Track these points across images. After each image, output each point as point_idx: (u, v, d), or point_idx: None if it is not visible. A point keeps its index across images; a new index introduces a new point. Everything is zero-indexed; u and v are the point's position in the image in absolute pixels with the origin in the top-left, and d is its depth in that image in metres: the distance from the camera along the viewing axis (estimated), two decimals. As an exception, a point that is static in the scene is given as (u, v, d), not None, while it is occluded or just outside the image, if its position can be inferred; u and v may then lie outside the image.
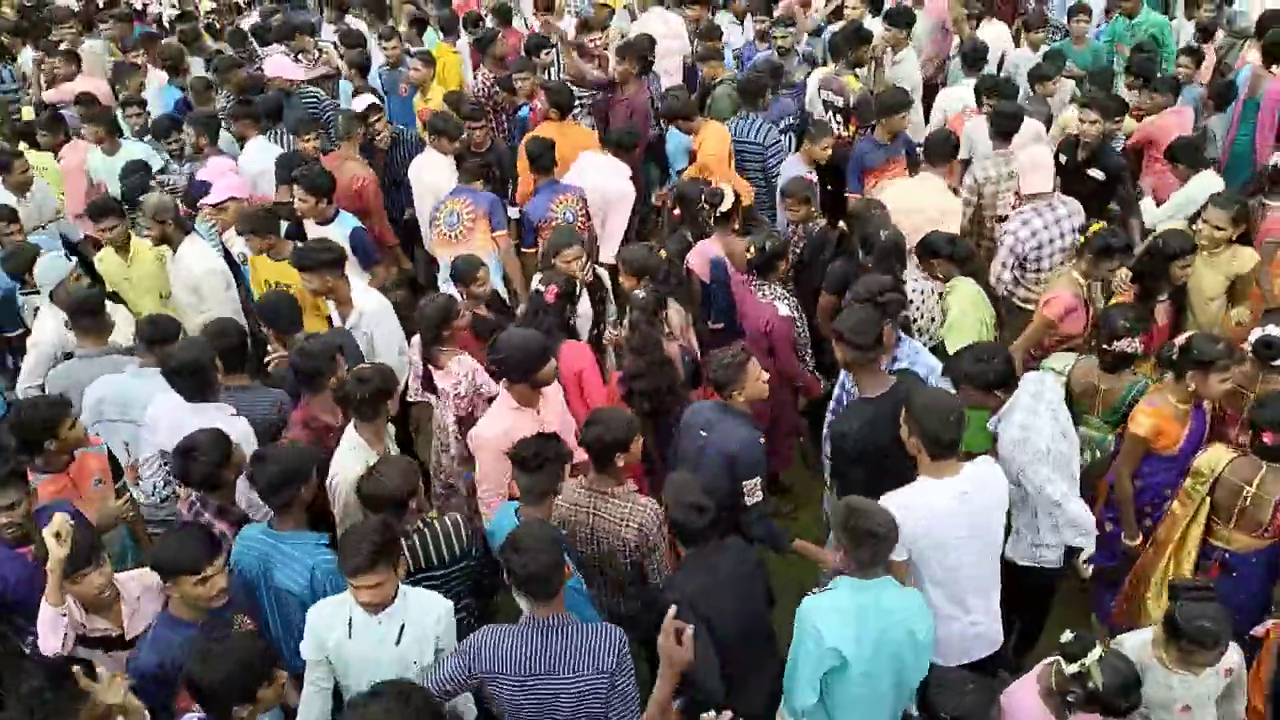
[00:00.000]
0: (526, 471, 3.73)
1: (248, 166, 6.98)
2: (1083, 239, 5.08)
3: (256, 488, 3.76)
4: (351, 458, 4.08)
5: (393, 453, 4.35)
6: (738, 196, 5.66)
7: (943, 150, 6.12)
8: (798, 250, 5.97)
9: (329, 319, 5.56)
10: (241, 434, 4.22)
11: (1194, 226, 5.39)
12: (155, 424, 4.42)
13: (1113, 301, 5.16)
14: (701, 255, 5.60)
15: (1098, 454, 4.67)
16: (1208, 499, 4.08)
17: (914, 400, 3.70)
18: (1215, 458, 4.07)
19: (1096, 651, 3.07)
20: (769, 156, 6.89)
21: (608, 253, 6.45)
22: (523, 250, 6.35)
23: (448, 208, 6.23)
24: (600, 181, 6.50)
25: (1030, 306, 5.49)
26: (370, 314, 5.22)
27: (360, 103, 7.16)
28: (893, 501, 3.53)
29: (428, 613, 3.44)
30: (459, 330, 4.87)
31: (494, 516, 4.07)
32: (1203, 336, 4.28)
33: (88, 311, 4.97)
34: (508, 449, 3.86)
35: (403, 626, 3.39)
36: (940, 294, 5.28)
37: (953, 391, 4.03)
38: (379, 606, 3.35)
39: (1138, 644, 3.47)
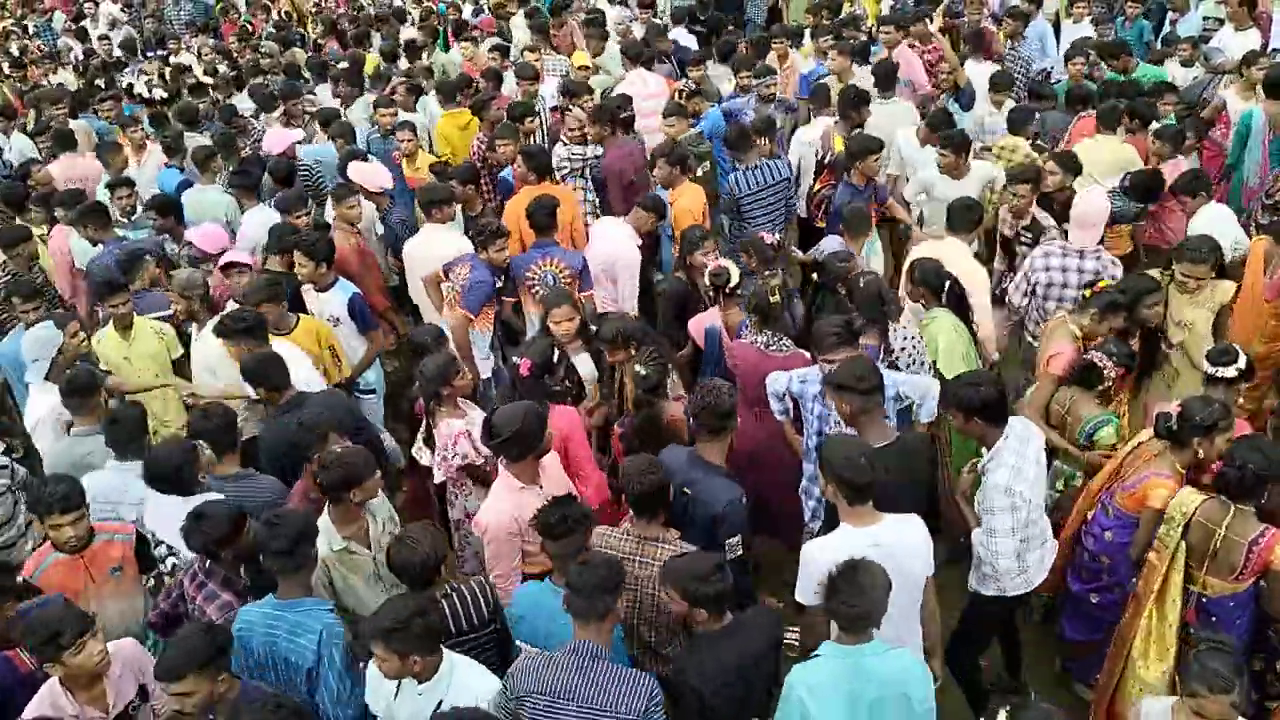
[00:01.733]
0: (555, 539, 3.71)
1: (250, 234, 7.00)
2: (1087, 294, 5.08)
3: (269, 552, 3.70)
4: (321, 539, 4.03)
5: (380, 522, 4.30)
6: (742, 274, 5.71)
7: (966, 219, 6.04)
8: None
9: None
10: None
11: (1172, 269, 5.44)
12: (151, 515, 4.40)
13: None
14: (698, 325, 5.72)
15: (1071, 485, 4.76)
16: (1182, 544, 4.00)
17: (826, 450, 3.75)
18: (1185, 501, 4.01)
19: None
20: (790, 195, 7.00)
21: (626, 307, 6.53)
22: (502, 299, 6.36)
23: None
24: (606, 248, 6.51)
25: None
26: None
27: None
28: (811, 546, 3.72)
29: (467, 692, 3.37)
30: (461, 390, 4.84)
31: (512, 600, 4.01)
32: (1195, 402, 4.19)
33: (77, 391, 4.98)
34: (515, 530, 3.87)
35: (439, 703, 3.33)
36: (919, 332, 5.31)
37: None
38: (417, 677, 3.36)
39: (1158, 711, 3.45)
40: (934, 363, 5.18)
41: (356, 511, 4.20)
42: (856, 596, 3.22)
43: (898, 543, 3.67)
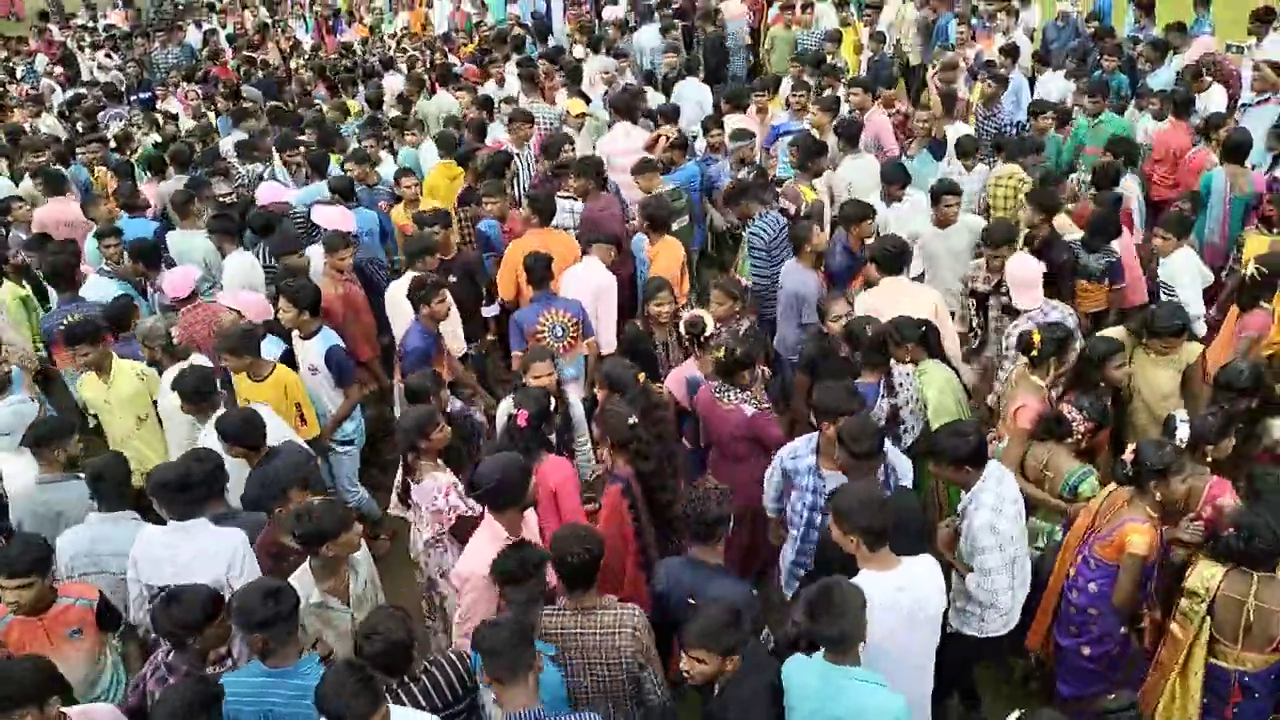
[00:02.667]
0: (516, 584, 3.72)
1: (231, 277, 7.04)
2: (1028, 346, 5.14)
3: (257, 624, 3.58)
4: (299, 591, 3.97)
5: (363, 580, 4.28)
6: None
7: (895, 263, 6.12)
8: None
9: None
10: (233, 542, 4.28)
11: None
12: (139, 563, 4.37)
13: None
14: (678, 379, 5.73)
15: (1052, 540, 4.79)
16: (1208, 619, 3.98)
17: (839, 501, 3.80)
18: (1208, 574, 3.98)
19: None
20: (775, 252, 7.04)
21: (605, 343, 6.64)
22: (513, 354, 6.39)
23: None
24: (581, 286, 6.62)
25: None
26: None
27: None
28: None
29: None
30: (439, 443, 4.82)
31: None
32: (1148, 444, 4.26)
33: (41, 439, 5.04)
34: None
35: None
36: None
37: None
38: None
39: None
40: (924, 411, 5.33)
41: (337, 565, 4.17)
42: (835, 619, 3.29)
43: (919, 584, 3.77)
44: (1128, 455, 4.29)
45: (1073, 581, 4.49)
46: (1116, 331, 5.60)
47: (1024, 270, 5.91)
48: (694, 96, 10.67)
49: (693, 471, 5.50)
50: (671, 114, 9.28)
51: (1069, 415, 4.81)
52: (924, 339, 5.44)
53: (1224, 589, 3.91)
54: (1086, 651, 4.48)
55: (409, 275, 6.66)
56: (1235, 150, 7.40)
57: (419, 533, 4.81)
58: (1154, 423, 5.33)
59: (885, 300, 5.85)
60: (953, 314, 6.53)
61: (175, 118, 12.61)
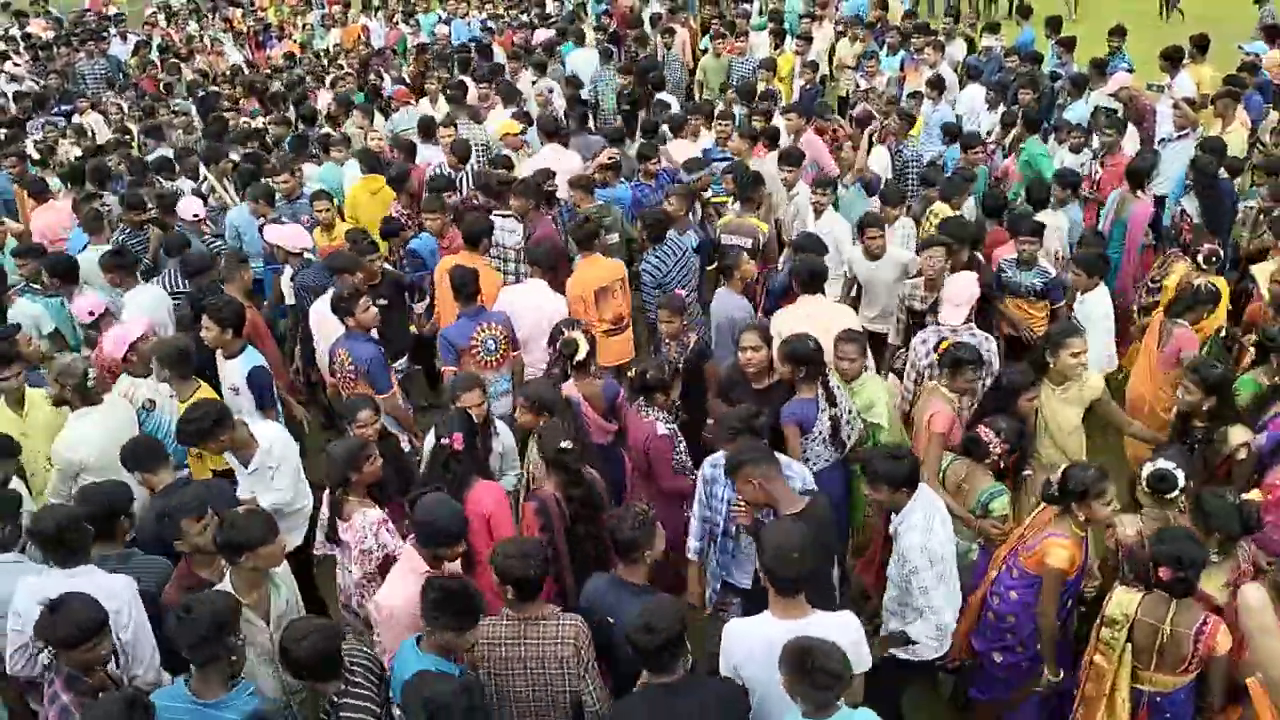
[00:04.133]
0: (442, 612, 3.64)
1: (134, 314, 6.64)
2: (936, 356, 5.24)
3: (184, 644, 3.51)
4: None
5: (284, 599, 4.19)
6: (591, 345, 5.70)
7: (815, 283, 6.23)
8: (678, 364, 5.93)
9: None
10: (119, 591, 4.08)
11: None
12: (23, 615, 4.14)
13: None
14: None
15: (967, 558, 4.89)
16: (1128, 645, 4.08)
17: (764, 535, 3.79)
18: (1126, 601, 4.09)
19: None
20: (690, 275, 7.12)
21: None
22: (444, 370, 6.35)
23: (483, 335, 6.27)
24: (532, 302, 6.59)
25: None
26: (274, 446, 5.11)
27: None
28: (734, 626, 3.77)
29: None
30: (370, 477, 4.73)
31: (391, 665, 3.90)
32: (1075, 468, 4.41)
33: None
34: (415, 611, 3.76)
35: None
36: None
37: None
38: None
39: None
40: (870, 423, 5.47)
41: (258, 579, 4.08)
42: (823, 679, 3.23)
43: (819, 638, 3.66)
44: (1055, 476, 4.43)
45: (994, 588, 4.60)
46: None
47: (960, 288, 6.02)
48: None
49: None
50: (615, 136, 9.29)
51: (986, 438, 4.91)
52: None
53: (1141, 614, 4.02)
54: (998, 659, 4.60)
55: (330, 291, 6.57)
56: (1134, 176, 7.68)
57: (348, 573, 4.64)
58: (1058, 452, 5.42)
59: (803, 319, 5.89)
60: (887, 335, 6.84)
61: (91, 133, 12.34)
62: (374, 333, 6.32)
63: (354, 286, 6.25)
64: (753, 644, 3.64)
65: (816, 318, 5.90)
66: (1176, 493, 4.47)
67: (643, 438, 5.25)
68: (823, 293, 6.32)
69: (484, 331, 6.30)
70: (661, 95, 11.36)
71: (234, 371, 5.88)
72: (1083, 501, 4.28)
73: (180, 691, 3.58)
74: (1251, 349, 5.84)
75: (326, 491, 4.74)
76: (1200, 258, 6.48)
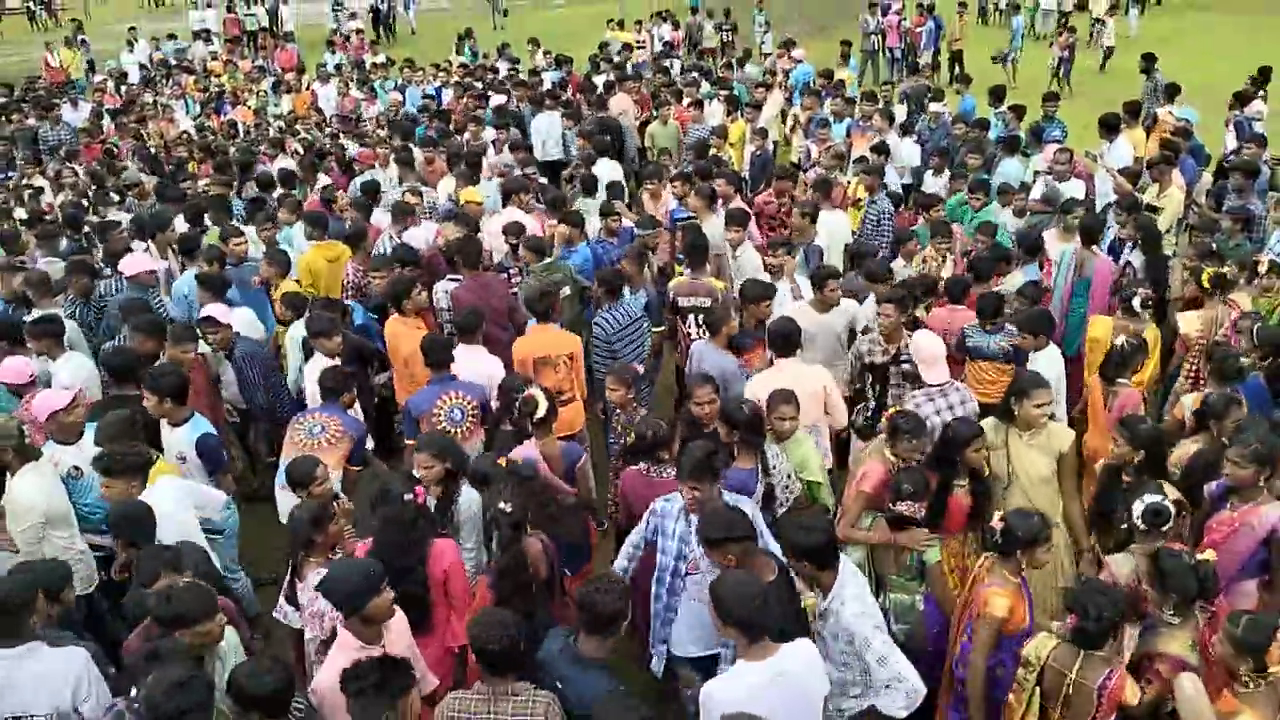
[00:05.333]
0: (350, 695, 3.54)
1: (65, 383, 6.46)
2: (890, 424, 5.27)
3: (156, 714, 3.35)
4: None
5: (226, 671, 3.99)
6: (551, 403, 5.65)
7: (788, 345, 6.27)
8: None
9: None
10: (78, 668, 4.02)
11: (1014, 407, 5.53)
12: None
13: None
14: (516, 459, 5.46)
15: (914, 612, 4.85)
16: (1037, 688, 4.10)
17: (717, 588, 3.78)
18: (1040, 644, 4.14)
19: None
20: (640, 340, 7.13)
21: None
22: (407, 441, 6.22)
23: (447, 404, 6.10)
24: (462, 370, 6.45)
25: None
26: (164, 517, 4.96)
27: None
28: (713, 685, 3.71)
29: None
30: (334, 538, 4.66)
31: None
32: (1017, 514, 4.45)
33: None
34: None
35: None
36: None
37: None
38: None
39: None
40: (807, 481, 5.46)
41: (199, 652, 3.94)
42: None
43: (797, 670, 3.72)
44: (996, 524, 4.45)
45: (960, 658, 4.58)
46: (987, 421, 5.69)
47: (930, 347, 6.09)
48: (608, 175, 10.79)
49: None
50: (558, 202, 9.34)
51: (909, 513, 4.81)
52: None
53: (1050, 660, 4.06)
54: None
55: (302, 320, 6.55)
56: (1087, 233, 7.88)
57: (306, 633, 4.53)
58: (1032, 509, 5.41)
59: (779, 382, 5.90)
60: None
61: (40, 191, 12.17)
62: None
63: (349, 372, 6.25)
64: (739, 697, 3.61)
65: (793, 380, 5.92)
66: (1169, 525, 4.52)
67: (644, 496, 5.06)
68: (794, 355, 6.32)
69: (449, 400, 6.16)
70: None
71: (180, 440, 5.78)
72: (1030, 550, 4.32)
73: None
74: (1190, 416, 5.94)
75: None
76: (1136, 302, 6.72)
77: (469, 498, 5.29)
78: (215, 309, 7.04)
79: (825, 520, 4.44)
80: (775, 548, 4.63)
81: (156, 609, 3.92)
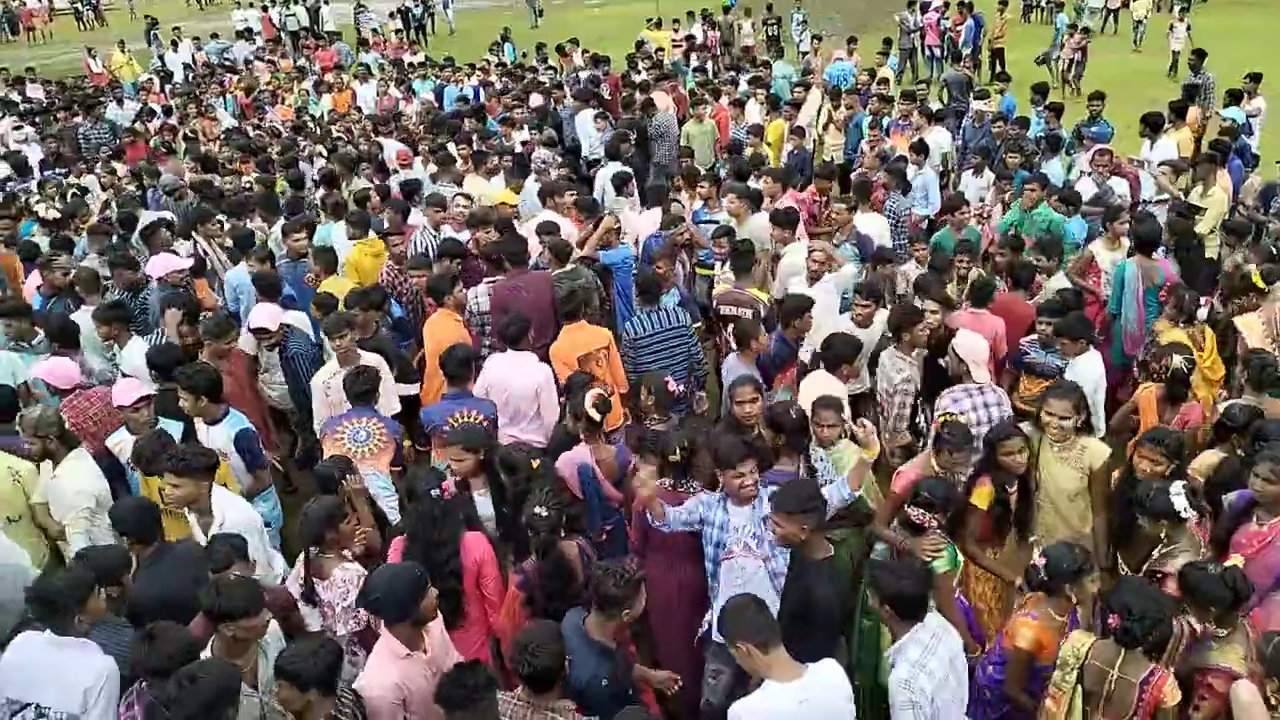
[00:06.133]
0: (458, 709, 3.52)
1: (134, 370, 6.68)
2: (936, 434, 5.23)
3: (182, 714, 3.39)
4: None
5: (270, 663, 4.08)
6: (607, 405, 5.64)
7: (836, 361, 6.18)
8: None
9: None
10: (101, 670, 4.01)
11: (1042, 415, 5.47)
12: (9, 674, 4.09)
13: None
14: (569, 462, 5.49)
15: None
16: (1079, 688, 4.03)
17: (725, 610, 3.81)
18: (1078, 642, 4.08)
19: None
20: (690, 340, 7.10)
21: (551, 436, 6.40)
22: (416, 448, 6.20)
23: (355, 424, 6.03)
24: (512, 377, 6.43)
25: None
26: (232, 525, 4.98)
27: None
28: (739, 708, 3.62)
29: None
30: (348, 536, 4.68)
31: None
32: (1057, 551, 4.34)
33: None
34: (398, 700, 3.74)
35: None
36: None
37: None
38: None
39: None
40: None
41: (244, 645, 4.00)
42: None
43: (824, 694, 3.66)
44: (1038, 561, 4.36)
45: (987, 658, 4.60)
46: (1026, 428, 5.62)
47: (976, 347, 6.11)
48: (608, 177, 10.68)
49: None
50: (590, 206, 9.32)
51: (917, 518, 4.73)
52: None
53: (1091, 658, 4.00)
54: None
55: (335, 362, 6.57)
56: (1145, 243, 7.69)
57: (332, 634, 4.52)
58: (1060, 520, 5.39)
59: (823, 390, 5.82)
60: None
61: (85, 190, 12.40)
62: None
63: (374, 372, 6.22)
64: (762, 717, 3.60)
65: (836, 389, 5.88)
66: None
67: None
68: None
69: (462, 418, 6.05)
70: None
71: (218, 437, 5.81)
72: (1076, 581, 4.24)
73: None
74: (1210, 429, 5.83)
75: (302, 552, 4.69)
76: (1202, 313, 6.61)
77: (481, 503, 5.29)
78: (264, 316, 7.11)
79: (920, 572, 4.16)
80: None
81: (207, 601, 3.98)
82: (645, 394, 5.95)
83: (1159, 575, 4.62)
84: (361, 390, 6.02)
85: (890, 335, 6.73)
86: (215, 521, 5.02)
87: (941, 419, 5.41)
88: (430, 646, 4.14)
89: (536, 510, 4.59)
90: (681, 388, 6.17)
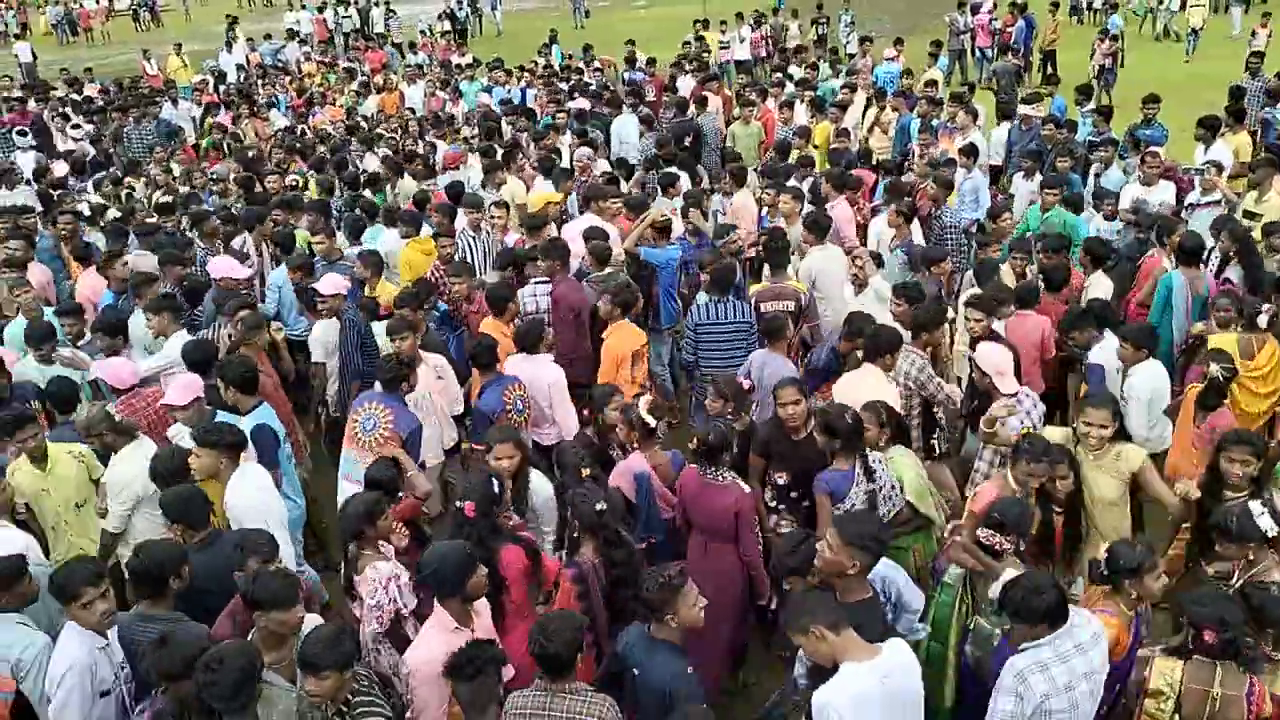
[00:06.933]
0: (464, 680, 3.65)
1: (175, 359, 6.82)
2: (1014, 445, 5.16)
3: (213, 694, 3.53)
4: None
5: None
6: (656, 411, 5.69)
7: (884, 349, 6.15)
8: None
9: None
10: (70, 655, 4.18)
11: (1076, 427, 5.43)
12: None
13: None
14: (625, 473, 5.54)
15: (989, 647, 4.67)
16: (1176, 717, 3.94)
17: (789, 607, 3.84)
18: (1168, 669, 3.97)
19: None
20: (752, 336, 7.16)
21: (567, 430, 6.60)
22: (473, 447, 6.31)
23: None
24: (530, 372, 6.58)
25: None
26: (230, 507, 5.20)
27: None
28: (824, 692, 3.59)
29: None
30: (385, 531, 4.77)
31: None
32: (1121, 545, 4.30)
33: None
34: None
35: None
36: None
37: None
38: None
39: None
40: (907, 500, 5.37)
41: (278, 640, 4.06)
42: None
43: (900, 670, 3.69)
44: (1101, 555, 4.32)
45: None
46: (1060, 434, 5.58)
47: (997, 358, 6.01)
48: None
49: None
50: (638, 205, 9.35)
51: (987, 539, 4.64)
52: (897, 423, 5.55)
53: (1187, 681, 3.90)
54: None
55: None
56: (1191, 253, 7.58)
57: (363, 629, 4.59)
58: (1097, 529, 5.31)
59: (864, 387, 5.84)
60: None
61: (132, 190, 12.75)
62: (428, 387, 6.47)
63: (410, 359, 6.35)
64: (847, 701, 3.56)
65: (878, 388, 5.88)
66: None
67: (729, 501, 5.11)
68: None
69: (512, 392, 6.36)
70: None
71: (245, 428, 5.89)
72: (1137, 577, 4.17)
73: None
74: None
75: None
76: (1263, 319, 6.41)
77: (539, 484, 5.47)
78: (326, 282, 7.43)
79: (1051, 581, 4.05)
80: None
81: (245, 589, 4.09)
82: (714, 394, 5.94)
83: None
84: (387, 378, 6.16)
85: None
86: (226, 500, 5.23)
87: (1025, 430, 5.34)
88: (478, 627, 4.25)
89: (599, 506, 4.66)
90: (749, 383, 6.24)
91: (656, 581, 4.02)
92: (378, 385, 6.25)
